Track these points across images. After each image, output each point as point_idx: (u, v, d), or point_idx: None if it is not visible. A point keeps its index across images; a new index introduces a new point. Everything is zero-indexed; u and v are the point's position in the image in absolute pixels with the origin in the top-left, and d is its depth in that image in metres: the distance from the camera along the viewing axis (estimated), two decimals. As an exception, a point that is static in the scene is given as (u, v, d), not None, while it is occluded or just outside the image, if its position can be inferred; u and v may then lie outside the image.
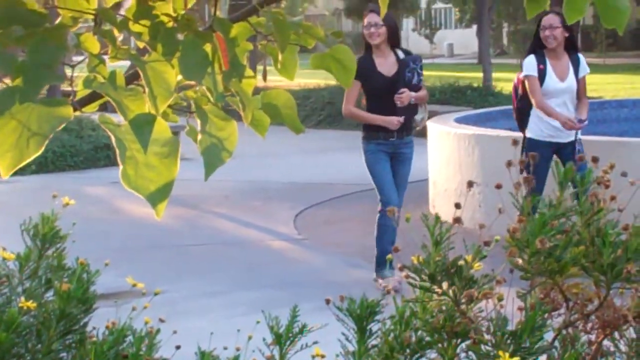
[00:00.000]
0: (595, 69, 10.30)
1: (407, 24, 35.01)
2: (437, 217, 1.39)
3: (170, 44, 1.30)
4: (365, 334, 1.38)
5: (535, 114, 5.23)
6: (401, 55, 5.09)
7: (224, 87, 1.32)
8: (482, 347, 1.34)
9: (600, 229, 1.36)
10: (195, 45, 1.31)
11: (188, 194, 6.13)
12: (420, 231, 1.40)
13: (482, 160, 6.20)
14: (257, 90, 1.41)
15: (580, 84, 5.22)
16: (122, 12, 1.32)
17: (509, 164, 1.41)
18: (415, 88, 4.96)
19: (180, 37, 1.31)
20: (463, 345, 1.36)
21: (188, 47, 1.30)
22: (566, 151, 5.08)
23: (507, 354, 1.28)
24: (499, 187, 1.40)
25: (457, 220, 1.38)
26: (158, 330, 1.34)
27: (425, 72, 5.50)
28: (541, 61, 5.15)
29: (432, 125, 6.91)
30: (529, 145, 5.06)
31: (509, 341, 1.34)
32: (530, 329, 1.32)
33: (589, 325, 1.39)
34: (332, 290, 1.77)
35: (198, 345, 1.43)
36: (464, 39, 36.34)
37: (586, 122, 5.18)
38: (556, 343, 1.39)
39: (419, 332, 1.38)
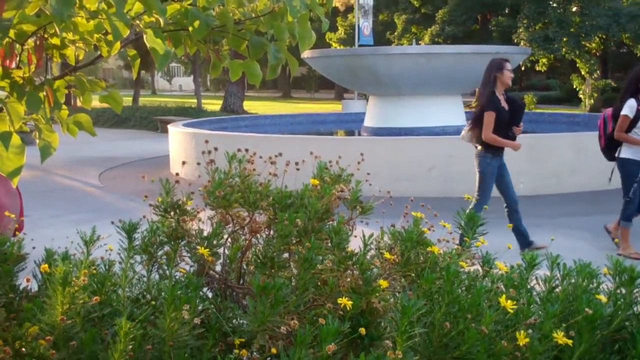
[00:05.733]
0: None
1: (157, 73, 64.15)
2: (167, 180, 2.70)
3: (21, 93, 2.46)
4: (132, 240, 2.67)
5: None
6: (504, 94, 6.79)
7: (50, 114, 2.51)
8: (193, 245, 2.68)
9: (250, 184, 2.74)
10: (34, 93, 2.48)
11: (39, 164, 9.05)
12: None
13: (196, 146, 11.71)
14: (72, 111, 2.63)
15: None
16: (-7, 75, 2.46)
17: (203, 152, 2.75)
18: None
19: (26, 88, 2.47)
20: (182, 244, 2.69)
21: (31, 94, 2.48)
22: None
23: (204, 248, 2.63)
24: (198, 163, 2.74)
25: (177, 181, 2.71)
26: (23, 238, 2.54)
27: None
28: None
29: (171, 127, 13.64)
30: (627, 163, 6.90)
31: (205, 241, 2.70)
32: (215, 234, 2.69)
33: (245, 231, 2.79)
34: (118, 215, 2.98)
35: (45, 246, 2.51)
36: (187, 82, 72.94)
37: None
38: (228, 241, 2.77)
39: (161, 237, 2.70)
